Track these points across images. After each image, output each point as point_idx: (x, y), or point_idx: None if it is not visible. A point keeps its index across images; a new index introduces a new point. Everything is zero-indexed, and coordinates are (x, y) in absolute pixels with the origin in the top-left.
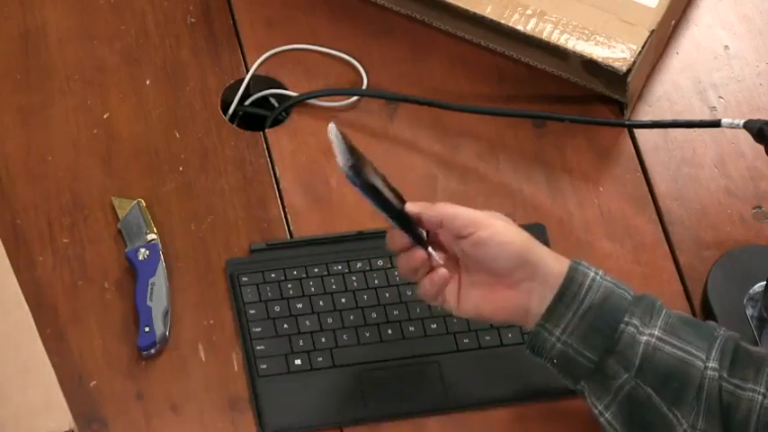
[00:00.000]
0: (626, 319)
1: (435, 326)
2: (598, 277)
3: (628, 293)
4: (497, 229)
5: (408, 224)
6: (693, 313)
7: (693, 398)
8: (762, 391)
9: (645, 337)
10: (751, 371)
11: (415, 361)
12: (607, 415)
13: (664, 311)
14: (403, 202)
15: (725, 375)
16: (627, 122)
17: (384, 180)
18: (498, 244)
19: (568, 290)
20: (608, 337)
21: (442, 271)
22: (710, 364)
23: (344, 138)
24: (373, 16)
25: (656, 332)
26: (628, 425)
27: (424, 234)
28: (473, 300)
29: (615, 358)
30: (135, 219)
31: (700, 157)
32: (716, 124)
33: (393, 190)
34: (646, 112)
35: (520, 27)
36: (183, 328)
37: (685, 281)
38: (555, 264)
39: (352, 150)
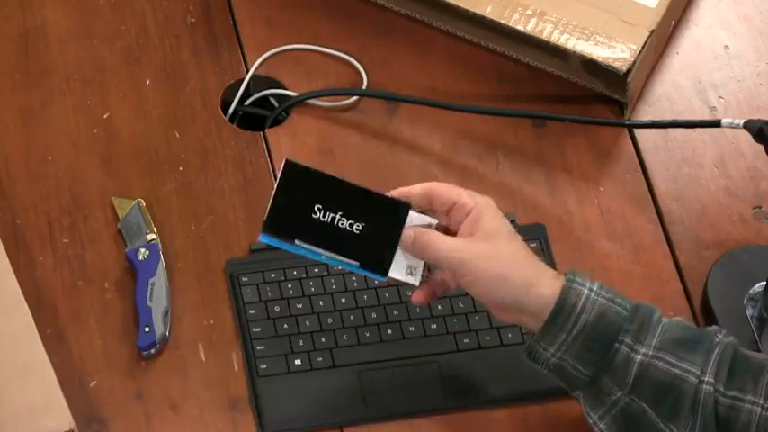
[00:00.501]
0: (620, 337)
1: (435, 326)
2: (593, 294)
3: (623, 309)
4: (478, 276)
5: (368, 253)
6: (693, 313)
7: (688, 413)
8: (761, 402)
9: (639, 356)
10: (749, 381)
11: (415, 361)
12: (601, 425)
13: (660, 325)
14: (406, 207)
15: (721, 389)
16: (627, 122)
17: (356, 201)
18: (483, 291)
19: (561, 312)
20: (602, 355)
21: (416, 295)
22: (706, 378)
23: (291, 175)
24: (373, 16)
25: (651, 351)
26: None
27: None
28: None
29: (609, 376)
30: (135, 219)
31: (700, 157)
32: (716, 124)
33: (369, 208)
34: (646, 112)
35: (520, 27)
36: (182, 328)
37: (685, 281)
38: (547, 287)
39: (282, 200)
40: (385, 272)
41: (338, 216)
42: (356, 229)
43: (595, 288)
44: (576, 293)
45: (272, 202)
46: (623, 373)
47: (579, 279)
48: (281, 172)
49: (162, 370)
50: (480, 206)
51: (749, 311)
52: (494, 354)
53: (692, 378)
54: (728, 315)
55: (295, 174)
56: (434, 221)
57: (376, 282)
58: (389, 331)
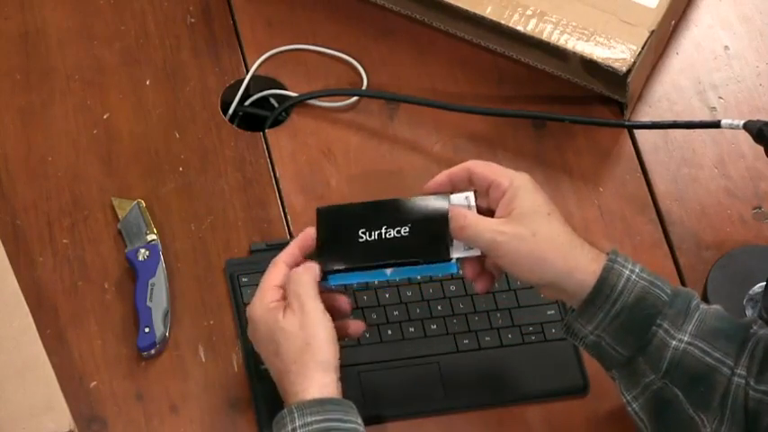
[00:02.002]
0: (658, 321)
1: (435, 327)
2: (634, 276)
3: (663, 293)
4: (515, 258)
5: (425, 248)
6: None
7: (718, 404)
8: None
9: (674, 342)
10: None
11: (415, 362)
12: (635, 405)
13: (698, 313)
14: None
15: (752, 383)
16: (627, 123)
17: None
18: (521, 272)
19: (600, 292)
20: (639, 338)
21: (478, 285)
22: (738, 371)
23: (326, 219)
24: (373, 16)
25: (686, 337)
26: (654, 421)
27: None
28: None
29: (644, 359)
30: (135, 219)
31: (700, 158)
32: (716, 125)
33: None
34: (646, 113)
35: (520, 27)
36: (182, 328)
37: (685, 281)
38: (587, 268)
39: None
40: (449, 258)
41: (383, 230)
42: (404, 233)
43: (637, 270)
44: (616, 274)
45: (319, 247)
46: (658, 357)
47: (621, 260)
48: (316, 220)
49: (162, 371)
50: (516, 185)
51: (749, 312)
52: (494, 354)
53: (724, 369)
54: None
55: (328, 215)
56: (471, 194)
57: (375, 282)
58: (389, 332)
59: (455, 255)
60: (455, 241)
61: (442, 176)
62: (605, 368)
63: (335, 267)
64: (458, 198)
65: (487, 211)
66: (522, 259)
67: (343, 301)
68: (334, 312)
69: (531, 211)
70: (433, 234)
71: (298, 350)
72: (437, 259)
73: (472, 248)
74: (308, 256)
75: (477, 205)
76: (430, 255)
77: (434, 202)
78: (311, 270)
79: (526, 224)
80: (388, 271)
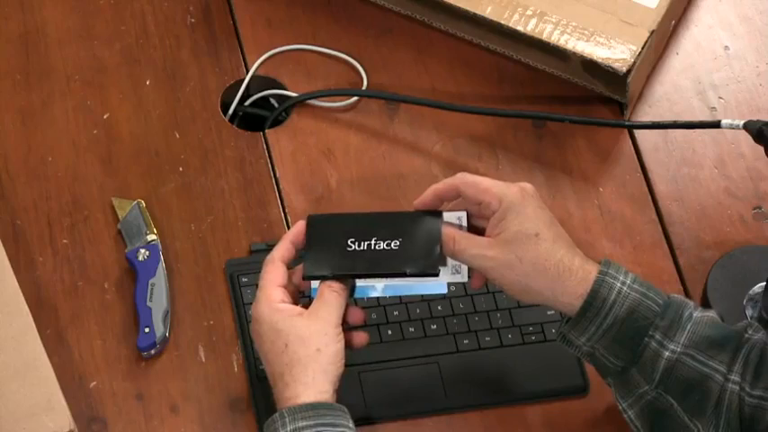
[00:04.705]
0: (650, 333)
1: (435, 327)
2: (625, 288)
3: (655, 303)
4: (503, 283)
5: (412, 262)
6: None
7: (712, 411)
8: None
9: (667, 353)
10: None
11: (415, 362)
12: (630, 413)
13: (690, 322)
14: (438, 213)
15: (747, 389)
16: (627, 123)
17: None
18: (511, 295)
19: (591, 306)
20: (631, 349)
21: (473, 281)
22: (732, 377)
23: (314, 227)
24: (373, 16)
25: (679, 348)
26: (649, 429)
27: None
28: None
29: (637, 369)
30: (135, 219)
31: (700, 158)
32: (716, 125)
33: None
34: (646, 113)
35: (520, 27)
36: (182, 328)
37: (685, 281)
38: (575, 290)
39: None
40: (437, 272)
41: (372, 241)
42: (394, 246)
43: (628, 281)
44: (607, 287)
45: (307, 252)
46: (651, 369)
47: (613, 271)
48: (306, 227)
49: (162, 371)
50: (504, 205)
51: (749, 312)
52: (493, 354)
53: (717, 377)
54: (728, 315)
55: (318, 223)
56: (463, 215)
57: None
58: (389, 332)
59: (443, 278)
60: (442, 266)
61: (429, 195)
62: (601, 376)
63: (320, 273)
64: (450, 218)
65: (480, 228)
66: (509, 284)
67: (356, 314)
68: (344, 322)
69: (518, 235)
70: (423, 250)
71: (306, 354)
72: (426, 272)
73: (459, 273)
74: (295, 261)
75: (469, 223)
76: (419, 268)
77: (427, 220)
78: (347, 286)
79: (513, 249)
80: (379, 287)
